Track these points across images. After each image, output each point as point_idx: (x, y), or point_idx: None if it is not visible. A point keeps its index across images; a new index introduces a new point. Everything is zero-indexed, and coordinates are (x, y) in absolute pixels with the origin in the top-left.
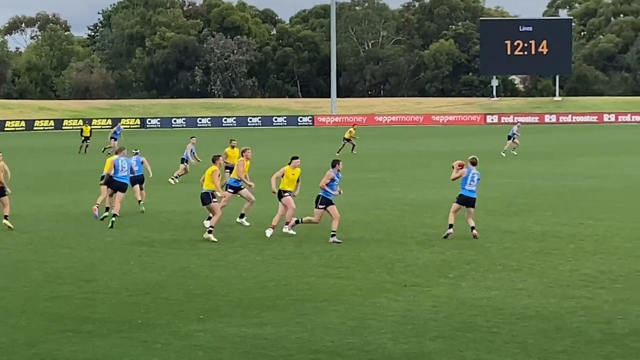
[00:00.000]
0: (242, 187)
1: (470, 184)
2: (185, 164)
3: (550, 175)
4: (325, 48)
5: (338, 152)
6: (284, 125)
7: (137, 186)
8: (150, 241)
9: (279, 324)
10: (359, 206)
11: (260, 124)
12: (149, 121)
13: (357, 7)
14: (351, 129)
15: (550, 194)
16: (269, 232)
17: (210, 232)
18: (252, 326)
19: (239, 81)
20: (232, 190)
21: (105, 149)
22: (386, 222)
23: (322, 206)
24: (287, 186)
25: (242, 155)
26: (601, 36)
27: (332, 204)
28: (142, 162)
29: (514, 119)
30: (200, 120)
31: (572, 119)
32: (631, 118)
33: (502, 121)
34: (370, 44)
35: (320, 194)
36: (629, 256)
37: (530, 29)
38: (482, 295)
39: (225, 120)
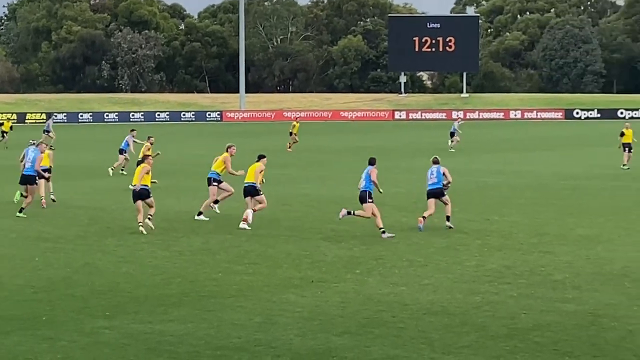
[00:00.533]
0: (222, 180)
1: (430, 178)
2: (125, 154)
3: (456, 171)
4: (234, 43)
5: (289, 147)
6: (192, 121)
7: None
8: (56, 237)
9: (186, 320)
10: (267, 201)
11: (169, 119)
12: (55, 116)
13: (265, 3)
14: (295, 123)
15: (457, 190)
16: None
17: (150, 219)
18: (158, 323)
19: (146, 76)
20: (216, 184)
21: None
22: (294, 218)
23: (370, 200)
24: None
25: (227, 152)
26: (508, 33)
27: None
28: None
29: (421, 115)
30: (107, 115)
31: (479, 115)
32: (537, 115)
33: (410, 117)
34: (279, 40)
35: (367, 189)
36: (533, 252)
37: (438, 25)
38: (388, 290)
39: (133, 115)
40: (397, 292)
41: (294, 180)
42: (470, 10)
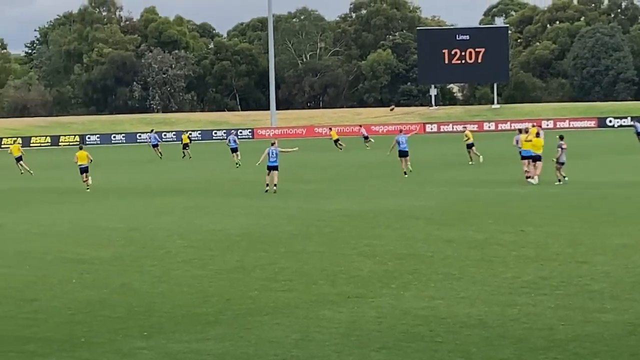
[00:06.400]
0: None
1: (402, 144)
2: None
3: (489, 182)
4: (264, 61)
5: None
6: (224, 139)
7: None
8: (92, 258)
9: (223, 338)
10: (299, 218)
11: (200, 138)
12: (88, 138)
13: (294, 19)
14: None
15: (489, 201)
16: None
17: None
18: (195, 342)
19: (177, 96)
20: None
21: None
22: (327, 234)
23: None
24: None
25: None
26: (537, 43)
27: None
28: None
29: (453, 128)
30: (139, 136)
31: (510, 126)
32: (569, 124)
33: (441, 130)
34: (308, 56)
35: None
36: (569, 262)
37: (467, 37)
38: (425, 304)
39: (165, 135)
40: (433, 305)
41: (325, 195)
42: (499, 21)
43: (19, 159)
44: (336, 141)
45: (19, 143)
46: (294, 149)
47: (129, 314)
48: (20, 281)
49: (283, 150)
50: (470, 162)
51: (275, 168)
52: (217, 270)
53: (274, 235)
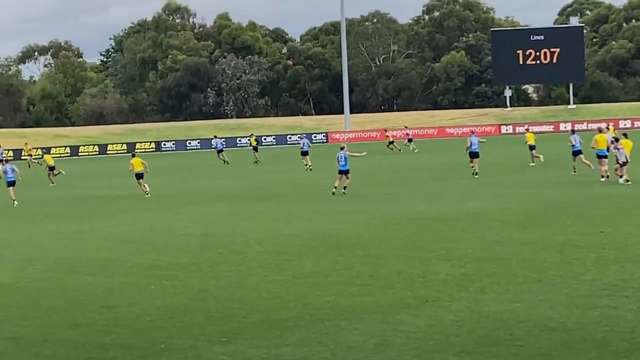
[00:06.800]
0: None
1: (473, 145)
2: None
3: (566, 184)
4: (337, 65)
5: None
6: (298, 143)
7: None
8: (170, 265)
9: (301, 344)
10: (375, 222)
11: (275, 143)
12: (164, 144)
13: (366, 23)
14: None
15: (568, 203)
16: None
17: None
18: (274, 347)
19: (251, 101)
20: None
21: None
22: (404, 237)
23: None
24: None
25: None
26: (614, 42)
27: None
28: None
29: (528, 129)
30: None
31: (587, 126)
32: None
33: (517, 131)
34: (381, 59)
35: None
36: None
37: (542, 37)
38: (504, 308)
39: (240, 140)
40: (512, 309)
41: (401, 198)
42: (574, 21)
43: (52, 168)
44: (390, 143)
45: (51, 154)
46: (362, 153)
47: (208, 319)
48: (100, 288)
49: (352, 154)
50: (536, 158)
51: (346, 172)
52: (294, 275)
53: (350, 239)
